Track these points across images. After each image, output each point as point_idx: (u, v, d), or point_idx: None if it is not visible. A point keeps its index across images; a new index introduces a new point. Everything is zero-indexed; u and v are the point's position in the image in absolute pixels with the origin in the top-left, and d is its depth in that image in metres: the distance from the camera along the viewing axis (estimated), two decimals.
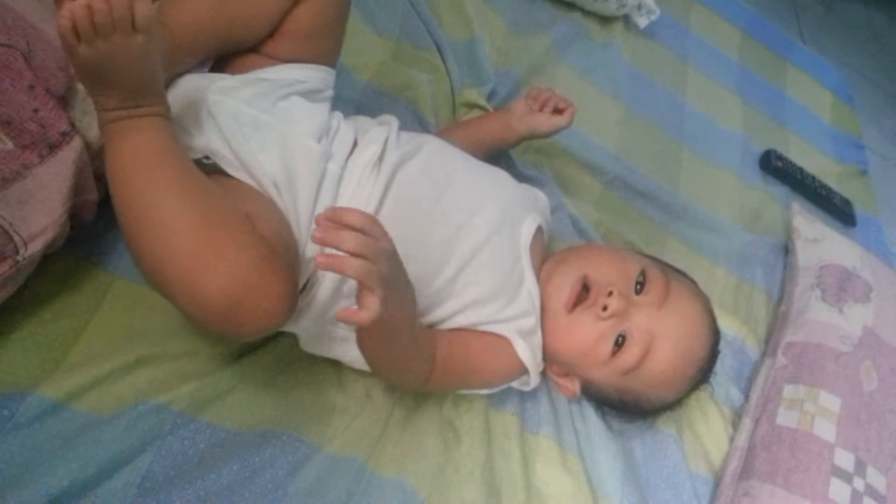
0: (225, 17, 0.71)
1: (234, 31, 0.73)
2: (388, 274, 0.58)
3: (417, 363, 0.73)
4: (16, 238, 0.63)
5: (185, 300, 0.56)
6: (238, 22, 0.72)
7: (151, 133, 0.61)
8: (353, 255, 0.55)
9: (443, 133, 0.99)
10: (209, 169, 0.68)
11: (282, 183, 0.68)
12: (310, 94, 0.76)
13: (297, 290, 0.62)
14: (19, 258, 0.63)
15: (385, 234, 0.60)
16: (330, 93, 0.80)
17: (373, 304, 0.57)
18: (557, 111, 1.00)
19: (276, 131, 0.70)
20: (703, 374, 0.89)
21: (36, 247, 0.64)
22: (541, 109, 1.00)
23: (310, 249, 0.70)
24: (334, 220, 0.56)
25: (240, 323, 0.56)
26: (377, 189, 0.73)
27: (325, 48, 0.79)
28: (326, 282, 0.70)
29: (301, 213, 0.70)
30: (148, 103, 0.60)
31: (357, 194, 0.73)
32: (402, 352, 0.71)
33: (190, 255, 0.56)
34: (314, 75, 0.77)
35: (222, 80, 0.71)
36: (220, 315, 0.56)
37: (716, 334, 0.90)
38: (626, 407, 0.89)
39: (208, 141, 0.68)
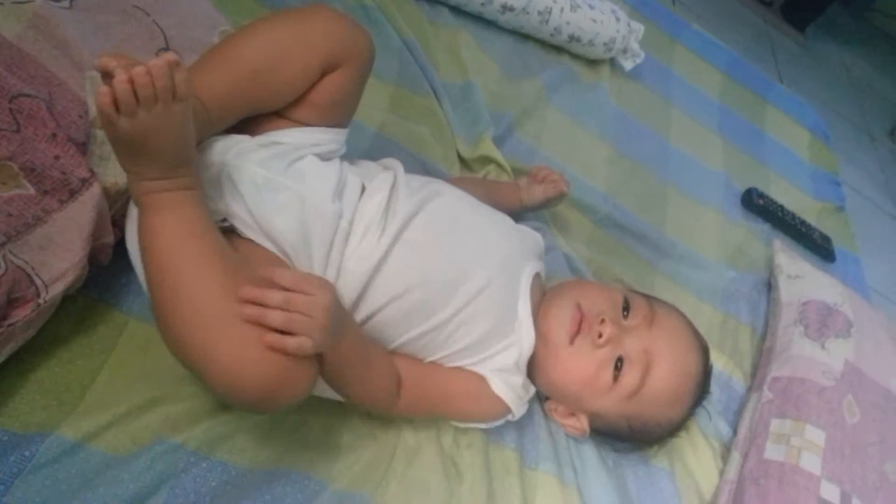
0: (256, 87, 0.72)
1: (263, 101, 0.74)
2: (326, 323, 0.62)
3: (376, 387, 0.76)
4: (37, 281, 0.65)
5: (221, 383, 0.58)
6: (267, 92, 0.73)
7: (188, 210, 0.62)
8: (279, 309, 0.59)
9: (462, 181, 1.02)
10: (225, 230, 0.70)
11: (298, 244, 0.71)
12: (323, 154, 0.78)
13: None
14: (41, 301, 0.65)
15: (322, 285, 0.63)
16: (343, 150, 0.82)
17: (301, 343, 0.59)
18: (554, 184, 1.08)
19: (292, 193, 0.71)
20: (701, 387, 0.93)
21: (56, 290, 0.66)
22: (540, 183, 1.09)
23: None
24: (269, 281, 0.61)
25: (272, 403, 0.60)
26: (385, 237, 0.75)
27: (343, 114, 0.81)
28: None
29: (315, 272, 0.72)
30: (182, 173, 0.62)
31: (364, 242, 0.75)
32: (357, 380, 0.73)
33: (231, 344, 0.57)
34: (330, 138, 0.79)
35: (240, 143, 0.72)
36: (255, 399, 0.58)
37: (705, 347, 0.94)
38: (636, 435, 0.92)
39: (227, 205, 0.70)
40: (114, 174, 0.74)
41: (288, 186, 0.71)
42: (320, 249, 0.73)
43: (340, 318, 0.67)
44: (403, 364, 0.80)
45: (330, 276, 0.73)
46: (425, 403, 0.81)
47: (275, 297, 0.60)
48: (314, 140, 0.78)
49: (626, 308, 0.89)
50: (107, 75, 0.58)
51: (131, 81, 0.55)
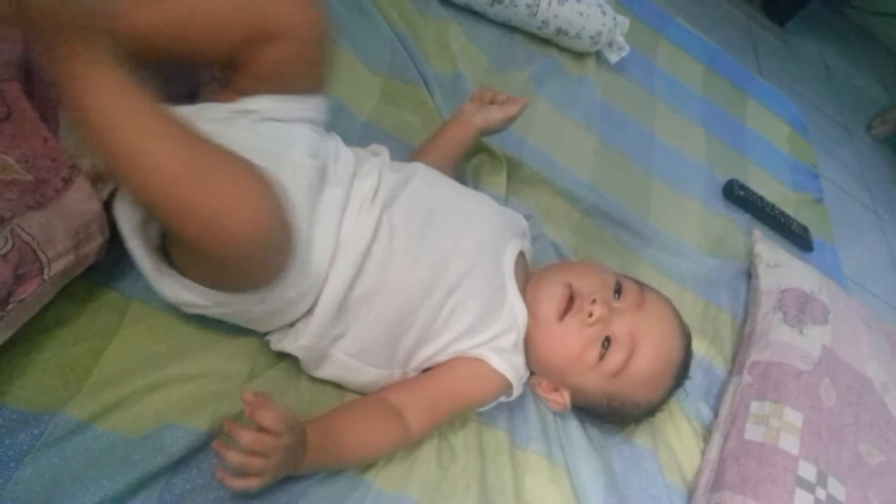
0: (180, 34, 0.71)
1: (192, 57, 0.75)
2: (278, 463, 0.68)
3: (376, 445, 0.80)
4: (42, 258, 0.67)
5: (203, 236, 0.58)
6: (183, 41, 0.71)
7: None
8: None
9: (418, 157, 1.03)
10: None
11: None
12: (290, 119, 0.79)
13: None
14: (45, 277, 0.66)
15: (288, 427, 0.67)
16: (321, 119, 0.82)
17: (252, 483, 0.68)
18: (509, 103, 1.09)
19: (270, 153, 0.71)
20: (681, 373, 0.96)
21: (59, 266, 0.68)
22: (490, 103, 1.09)
23: (313, 265, 0.73)
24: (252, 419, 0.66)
25: (258, 241, 0.60)
26: (371, 219, 0.77)
27: (303, 86, 0.79)
28: (327, 302, 0.75)
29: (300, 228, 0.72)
30: None
31: (357, 224, 0.77)
32: (338, 463, 0.78)
33: (211, 196, 0.57)
34: (298, 106, 0.79)
35: (212, 111, 0.74)
36: (242, 243, 0.59)
37: (688, 334, 0.98)
38: (614, 413, 0.95)
39: None
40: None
41: (268, 148, 0.72)
42: (300, 202, 0.72)
43: (290, 460, 0.70)
44: (394, 393, 0.82)
45: (326, 243, 0.74)
46: (436, 412, 0.83)
47: (244, 438, 0.65)
48: (286, 107, 0.78)
49: (618, 291, 0.91)
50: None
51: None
